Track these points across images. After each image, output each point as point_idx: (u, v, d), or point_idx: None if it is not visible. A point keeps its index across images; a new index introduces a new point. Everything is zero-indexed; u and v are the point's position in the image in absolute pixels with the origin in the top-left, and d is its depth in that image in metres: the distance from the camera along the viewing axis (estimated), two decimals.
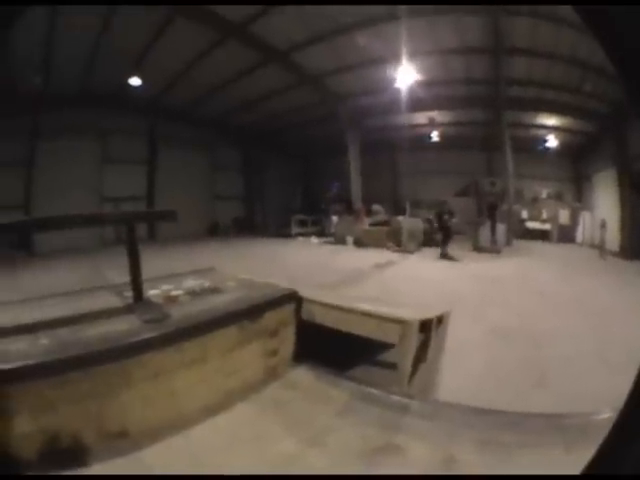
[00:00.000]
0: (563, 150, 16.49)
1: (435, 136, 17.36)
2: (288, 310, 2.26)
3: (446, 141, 17.29)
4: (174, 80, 12.83)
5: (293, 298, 2.31)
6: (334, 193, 17.90)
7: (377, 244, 12.08)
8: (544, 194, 16.97)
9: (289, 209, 19.36)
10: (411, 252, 11.12)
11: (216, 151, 18.15)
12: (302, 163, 22.63)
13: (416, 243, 11.84)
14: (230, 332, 1.91)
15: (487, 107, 13.51)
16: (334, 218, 15.70)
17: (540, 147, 16.50)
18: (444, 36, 10.19)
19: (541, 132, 16.05)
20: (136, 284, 2.12)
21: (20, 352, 1.59)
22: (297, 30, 10.37)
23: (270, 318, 2.12)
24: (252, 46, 10.92)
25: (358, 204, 14.90)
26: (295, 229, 16.68)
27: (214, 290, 2.41)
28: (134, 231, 2.09)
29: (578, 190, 16.69)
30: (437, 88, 12.57)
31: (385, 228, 12.99)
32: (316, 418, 1.81)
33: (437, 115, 15.17)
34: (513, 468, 1.42)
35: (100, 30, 9.52)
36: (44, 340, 1.73)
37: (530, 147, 16.13)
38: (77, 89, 12.26)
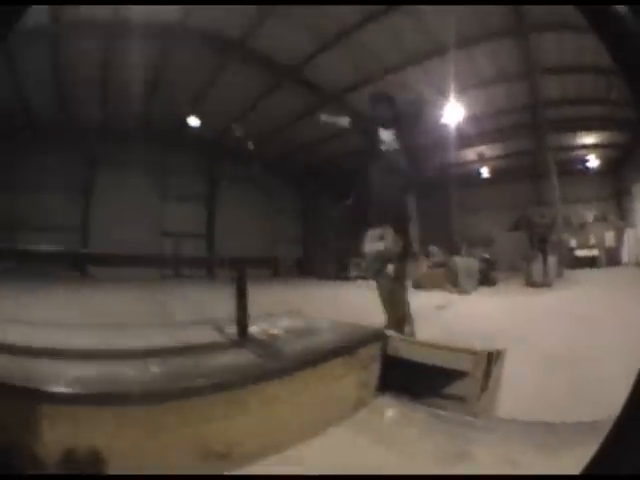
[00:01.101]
0: (602, 167, 16.61)
1: (485, 172, 17.37)
2: (377, 346, 2.50)
3: (495, 175, 17.39)
4: (231, 121, 13.64)
5: (381, 336, 2.59)
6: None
7: (435, 286, 12.00)
8: (590, 218, 16.67)
9: (347, 251, 19.20)
10: (468, 292, 11.04)
11: (276, 192, 18.52)
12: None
13: (473, 283, 11.76)
14: (334, 365, 2.15)
15: (530, 134, 13.60)
16: None
17: (581, 167, 16.48)
18: (481, 66, 10.50)
19: (581, 152, 16.21)
20: (242, 321, 2.42)
21: (135, 377, 1.85)
22: (347, 71, 10.95)
23: (363, 353, 2.37)
24: (307, 89, 11.54)
25: (416, 247, 14.69)
26: (354, 272, 16.42)
27: (309, 329, 2.73)
28: (244, 274, 2.40)
29: (620, 207, 16.52)
30: (482, 121, 12.77)
31: (442, 270, 12.88)
32: (400, 435, 2.11)
33: (485, 149, 15.25)
34: (562, 464, 1.62)
35: (160, 70, 10.44)
36: (155, 368, 1.97)
37: (572, 169, 16.20)
38: (139, 125, 13.26)
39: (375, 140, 3.57)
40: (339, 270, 17.17)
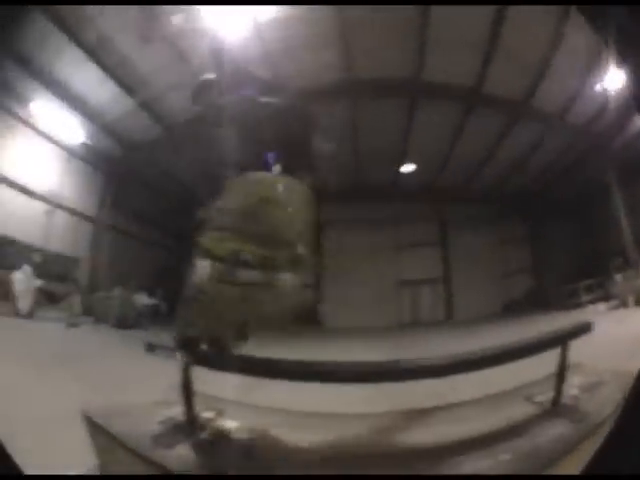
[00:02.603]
0: None
1: None
2: None
3: None
4: (445, 161, 13.32)
5: None
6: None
7: None
8: None
9: (573, 275, 16.24)
10: None
11: (500, 224, 16.93)
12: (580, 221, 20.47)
13: None
14: None
15: None
16: (617, 277, 13.44)
17: None
18: None
19: None
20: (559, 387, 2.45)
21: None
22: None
23: None
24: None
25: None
26: (584, 297, 14.24)
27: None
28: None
29: None
30: None
31: None
32: None
33: None
34: None
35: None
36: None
37: None
38: (349, 184, 13.58)
39: None
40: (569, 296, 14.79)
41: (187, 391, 2.75)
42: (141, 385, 4.73)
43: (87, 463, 2.64)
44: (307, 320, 12.86)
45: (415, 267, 14.61)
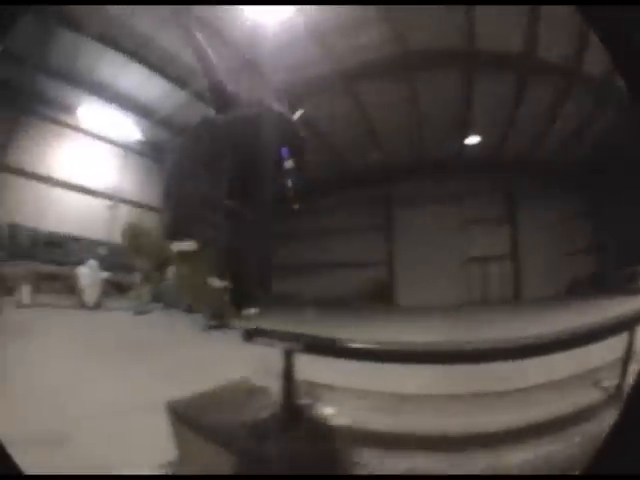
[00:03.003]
0: None
1: None
2: None
3: None
4: (509, 132, 12.76)
5: None
6: None
7: None
8: None
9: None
10: None
11: (564, 200, 15.59)
12: None
13: None
14: None
15: None
16: None
17: None
18: None
19: None
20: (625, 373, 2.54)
21: None
22: None
23: None
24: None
25: None
26: None
27: None
28: None
29: None
30: None
31: None
32: None
33: None
34: None
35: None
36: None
37: None
38: (413, 158, 13.36)
39: None
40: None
41: (288, 378, 2.70)
42: (221, 370, 4.69)
43: (166, 456, 2.67)
44: (380, 300, 13.12)
45: (482, 244, 14.05)
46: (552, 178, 14.60)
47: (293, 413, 2.71)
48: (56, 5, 8.17)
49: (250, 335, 2.88)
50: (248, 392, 3.21)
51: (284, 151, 2.93)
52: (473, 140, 12.35)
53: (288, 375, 2.69)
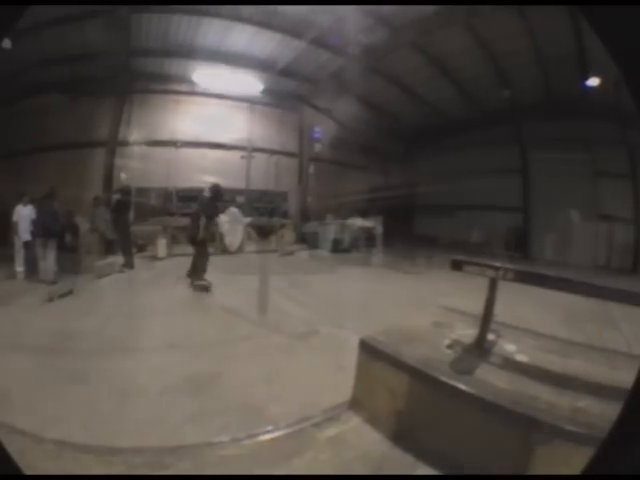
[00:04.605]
0: None
1: None
2: None
3: None
4: None
5: None
6: None
7: None
8: None
9: None
10: None
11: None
12: None
13: None
14: None
15: None
16: None
17: None
18: None
19: None
20: None
21: None
22: None
23: None
24: None
25: None
26: None
27: None
28: None
29: None
30: None
31: None
32: None
33: None
34: None
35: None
36: None
37: None
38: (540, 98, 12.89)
39: None
40: None
41: (488, 313, 2.87)
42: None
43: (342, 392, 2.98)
44: (516, 249, 13.02)
45: (612, 201, 12.19)
46: None
47: (482, 347, 2.90)
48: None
49: (459, 265, 3.00)
50: (435, 325, 3.44)
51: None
52: (594, 82, 10.56)
53: (488, 308, 2.87)
